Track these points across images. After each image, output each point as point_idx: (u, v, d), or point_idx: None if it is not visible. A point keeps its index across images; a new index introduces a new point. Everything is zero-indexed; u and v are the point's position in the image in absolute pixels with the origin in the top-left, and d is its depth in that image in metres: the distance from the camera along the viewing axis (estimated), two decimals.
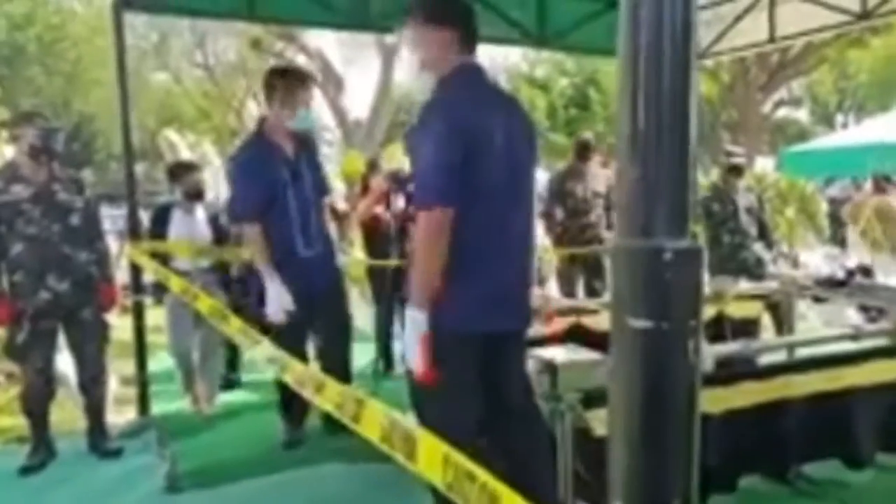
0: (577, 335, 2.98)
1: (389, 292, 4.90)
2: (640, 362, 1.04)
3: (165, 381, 4.68)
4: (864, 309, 4.11)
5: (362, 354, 4.99)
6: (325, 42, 18.83)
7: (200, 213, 4.39)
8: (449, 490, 1.28)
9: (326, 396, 1.77)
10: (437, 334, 2.14)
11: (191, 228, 4.32)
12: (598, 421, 2.35)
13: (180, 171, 4.41)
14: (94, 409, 3.69)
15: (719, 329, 3.77)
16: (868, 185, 9.00)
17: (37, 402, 3.52)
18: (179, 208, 4.33)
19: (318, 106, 17.94)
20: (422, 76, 2.25)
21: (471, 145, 2.06)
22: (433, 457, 1.34)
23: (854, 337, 3.26)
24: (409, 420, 3.21)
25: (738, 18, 5.80)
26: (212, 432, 4.03)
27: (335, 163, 8.73)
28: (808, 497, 2.83)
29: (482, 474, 1.23)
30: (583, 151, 5.86)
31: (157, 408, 4.34)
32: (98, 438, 3.68)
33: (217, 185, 6.10)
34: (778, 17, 5.61)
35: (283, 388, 3.51)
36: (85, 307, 3.56)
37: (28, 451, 3.53)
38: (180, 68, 22.34)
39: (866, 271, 4.51)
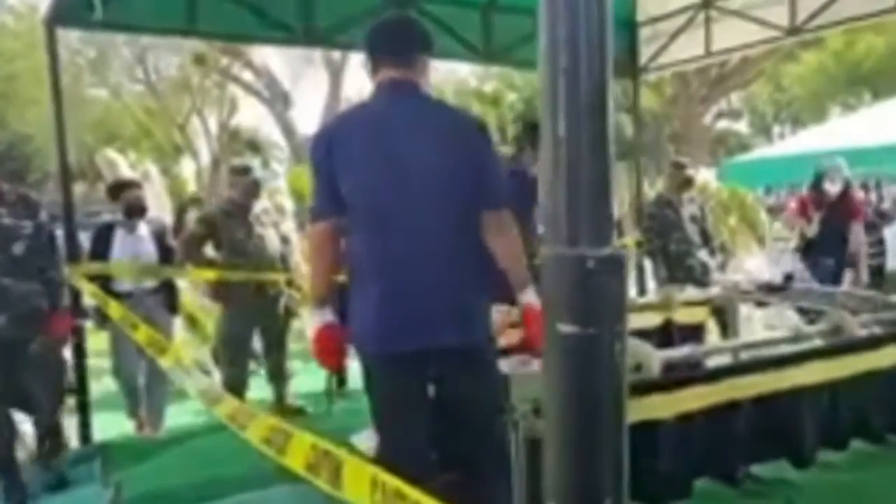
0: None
1: (338, 308, 4.84)
2: (569, 366, 1.07)
3: (110, 406, 4.52)
4: (802, 311, 4.25)
5: (318, 372, 4.93)
6: (272, 57, 18.64)
7: (143, 230, 4.28)
8: None
9: (255, 431, 1.74)
10: (364, 357, 2.26)
11: (135, 247, 4.21)
12: None
13: (120, 189, 4.30)
14: (44, 444, 3.51)
15: (667, 335, 3.84)
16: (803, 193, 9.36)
17: None
18: (122, 227, 4.21)
19: (266, 122, 17.77)
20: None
21: (341, 166, 2.12)
22: (359, 480, 1.34)
23: (794, 339, 3.36)
24: (363, 440, 3.20)
25: (676, 34, 6.00)
26: (158, 457, 3.91)
27: (284, 179, 8.66)
28: (757, 497, 2.88)
29: (413, 493, 1.22)
30: (533, 133, 5.92)
31: (102, 434, 4.18)
32: (51, 474, 3.51)
33: (161, 204, 5.97)
34: (713, 32, 5.83)
35: None
36: (29, 341, 3.32)
37: (1, 492, 3.32)
38: (120, 84, 21.77)
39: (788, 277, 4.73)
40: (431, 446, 2.34)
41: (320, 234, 2.23)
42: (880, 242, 6.91)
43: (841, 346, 3.24)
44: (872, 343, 3.31)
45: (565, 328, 1.04)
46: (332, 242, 2.22)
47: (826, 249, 5.85)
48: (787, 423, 3.04)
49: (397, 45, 2.25)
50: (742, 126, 25.41)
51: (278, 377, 4.63)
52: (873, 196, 9.49)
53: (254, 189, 4.43)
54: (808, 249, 6.05)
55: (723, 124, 23.86)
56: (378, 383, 2.30)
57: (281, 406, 4.60)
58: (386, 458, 2.27)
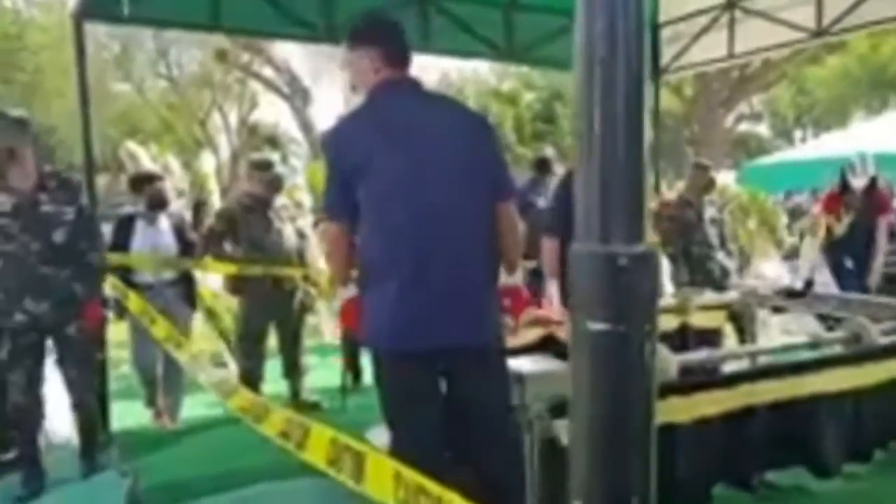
0: (549, 346, 2.99)
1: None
2: (598, 364, 1.06)
3: (128, 396, 4.58)
4: (821, 318, 4.21)
5: (333, 368, 4.96)
6: (293, 54, 18.73)
7: (164, 223, 4.33)
8: None
9: (271, 424, 1.75)
10: (378, 354, 2.28)
11: (154, 239, 4.26)
12: (566, 430, 2.38)
13: (142, 182, 4.35)
14: (83, 430, 3.54)
15: (684, 338, 3.82)
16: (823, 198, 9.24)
17: (23, 422, 3.32)
18: (142, 219, 4.26)
19: (286, 118, 17.84)
20: (355, 94, 2.35)
21: (353, 168, 2.11)
22: (383, 476, 1.34)
23: (813, 345, 3.33)
24: (375, 436, 3.21)
25: (699, 35, 5.95)
26: (175, 447, 3.95)
27: (302, 174, 8.69)
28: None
29: (435, 489, 1.23)
30: (541, 166, 5.93)
31: (120, 423, 4.24)
32: (87, 459, 3.55)
33: (181, 198, 6.03)
34: (737, 33, 5.76)
35: None
36: (67, 325, 3.33)
37: (21, 479, 3.35)
38: (143, 79, 22.02)
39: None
40: (444, 445, 2.34)
41: (335, 234, 2.24)
42: None
43: (861, 354, 3.20)
44: (894, 351, 3.27)
45: (595, 325, 1.03)
46: (346, 240, 2.24)
47: (851, 248, 5.71)
48: (805, 431, 3.00)
49: (400, 44, 2.26)
50: (763, 129, 25.15)
51: (294, 372, 4.67)
52: None
53: (276, 184, 4.47)
54: (833, 247, 5.91)
55: (743, 127, 23.62)
56: (391, 380, 2.31)
57: (296, 401, 4.63)
58: (399, 454, 2.27)
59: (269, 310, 4.45)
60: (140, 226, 4.24)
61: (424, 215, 2.12)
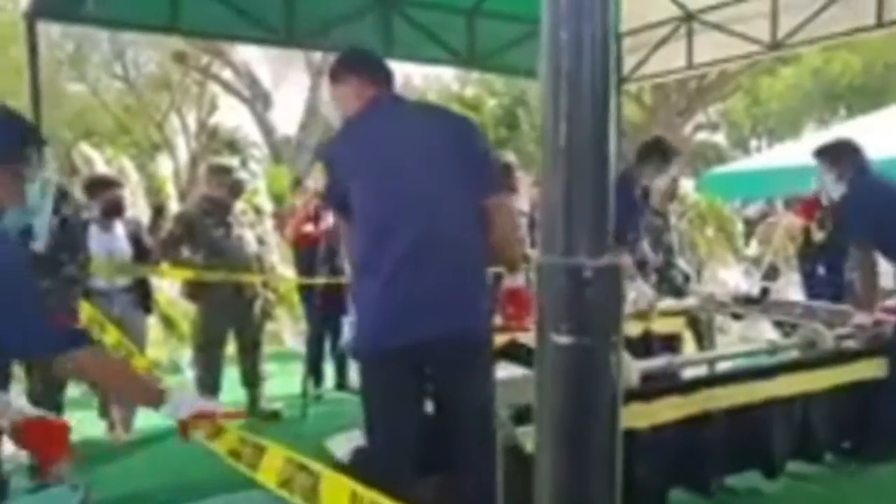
0: (512, 352, 2.98)
1: (320, 311, 4.82)
2: (563, 377, 1.05)
3: (83, 406, 4.44)
4: (778, 324, 4.30)
5: (293, 375, 4.89)
6: (253, 57, 18.47)
7: (119, 229, 4.21)
8: None
9: (225, 442, 1.71)
10: (358, 354, 2.29)
11: (110, 245, 4.14)
12: (529, 437, 2.39)
13: (98, 187, 4.22)
14: None
15: (646, 345, 3.86)
16: (779, 207, 9.50)
17: None
18: (96, 224, 4.13)
19: (246, 121, 17.56)
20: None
21: (345, 176, 2.25)
22: (338, 497, 1.31)
23: (770, 351, 3.40)
24: (337, 444, 3.16)
25: (658, 45, 6.05)
26: (129, 459, 3.84)
27: (262, 179, 8.57)
28: None
29: None
30: (503, 173, 5.94)
31: (73, 434, 4.09)
32: (38, 471, 3.40)
33: (136, 202, 5.88)
34: (695, 44, 5.88)
35: None
36: None
37: None
38: (98, 80, 21.41)
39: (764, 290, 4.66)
40: (422, 449, 2.31)
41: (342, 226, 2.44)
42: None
43: (815, 360, 3.28)
44: (846, 357, 3.36)
45: (560, 339, 1.02)
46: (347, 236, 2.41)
47: (826, 255, 5.69)
48: (759, 435, 3.07)
49: (375, 67, 2.38)
50: (720, 138, 25.74)
51: (253, 380, 4.58)
52: None
53: (236, 189, 4.40)
54: (809, 253, 5.89)
55: (701, 136, 24.13)
56: (370, 381, 2.29)
57: (255, 409, 4.55)
58: (371, 456, 2.31)
59: (229, 316, 4.37)
60: (94, 231, 4.11)
61: (405, 215, 2.17)
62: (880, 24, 4.71)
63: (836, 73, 19.84)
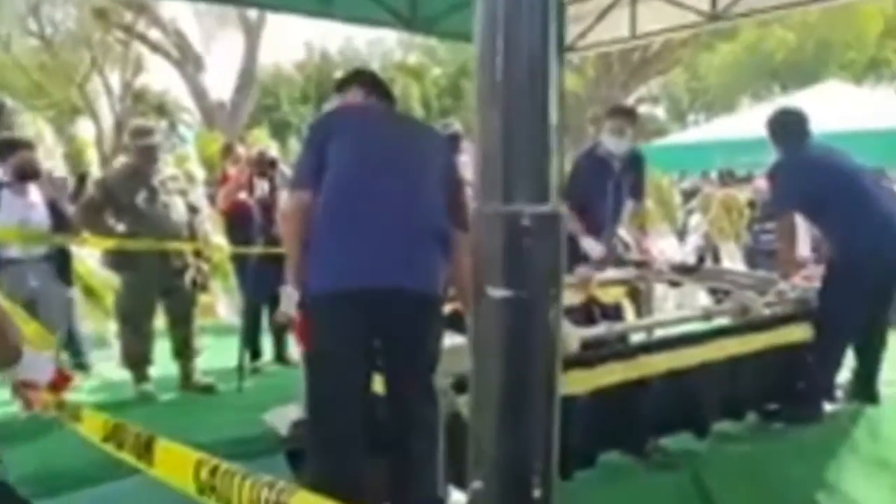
0: (455, 321, 2.95)
1: (254, 281, 4.66)
2: (500, 333, 0.98)
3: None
4: (713, 291, 4.39)
5: (228, 348, 4.74)
6: (181, 15, 17.51)
7: (35, 195, 3.95)
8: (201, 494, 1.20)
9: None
10: (308, 299, 2.30)
11: (24, 212, 3.88)
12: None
13: (8, 149, 3.93)
14: None
15: (588, 314, 3.87)
16: (714, 179, 9.73)
17: None
18: (8, 190, 3.86)
19: (176, 84, 16.81)
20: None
21: (335, 147, 2.37)
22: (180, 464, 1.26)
23: (705, 317, 3.46)
24: (275, 418, 3.06)
25: (603, 14, 6.02)
26: (47, 438, 3.64)
27: (193, 145, 8.19)
28: (664, 468, 2.95)
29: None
30: (451, 143, 5.86)
31: None
32: None
33: (54, 168, 5.55)
34: (638, 14, 5.88)
35: None
36: None
37: None
38: (11, 37, 19.96)
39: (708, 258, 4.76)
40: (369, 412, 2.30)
41: (300, 200, 2.38)
42: None
43: (745, 325, 3.36)
44: (774, 322, 3.45)
45: (497, 292, 0.95)
46: (308, 210, 2.35)
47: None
48: (692, 398, 3.13)
49: (377, 84, 2.67)
50: (660, 112, 26.22)
51: (184, 353, 4.40)
52: None
53: (151, 153, 4.16)
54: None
55: (642, 109, 24.51)
56: (318, 326, 2.28)
57: (187, 383, 4.39)
58: (314, 422, 2.31)
59: (156, 287, 4.17)
60: (6, 197, 3.84)
61: (374, 181, 2.31)
62: None
63: (770, 49, 20.37)
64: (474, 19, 0.97)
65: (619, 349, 3.15)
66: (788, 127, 3.68)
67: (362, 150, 2.37)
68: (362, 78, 2.69)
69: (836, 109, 7.36)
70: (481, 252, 0.99)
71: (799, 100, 9.69)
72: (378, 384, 2.42)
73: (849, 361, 3.62)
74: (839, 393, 3.62)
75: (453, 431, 2.36)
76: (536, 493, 0.97)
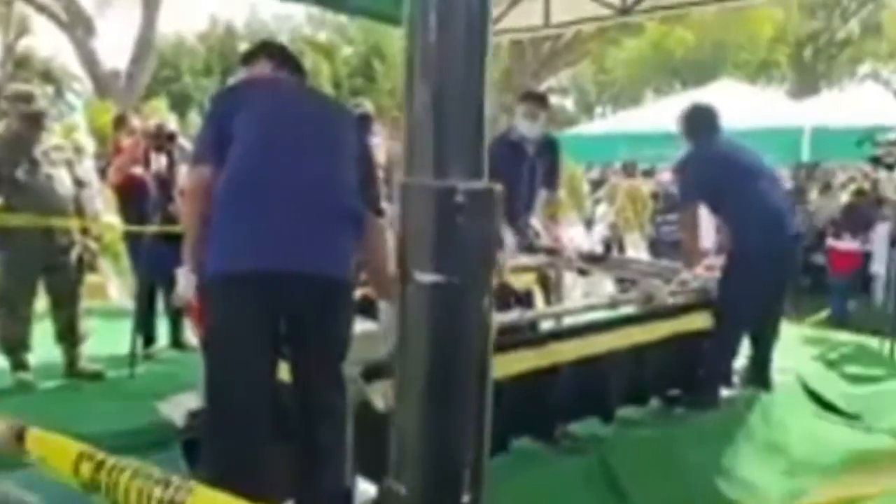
0: (366, 306, 2.86)
1: (149, 262, 4.36)
2: (428, 323, 0.89)
3: None
4: (620, 280, 4.50)
5: (120, 333, 4.42)
6: None
7: None
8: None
9: None
10: (205, 281, 2.18)
11: None
12: (379, 394, 2.32)
13: None
14: None
15: (502, 300, 3.86)
16: (618, 170, 10.05)
17: None
18: None
19: (65, 50, 15.56)
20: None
21: (240, 118, 2.23)
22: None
23: (612, 305, 3.52)
24: (169, 407, 2.87)
25: (516, 1, 6.01)
26: None
27: (82, 114, 7.59)
28: (573, 453, 2.99)
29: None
30: (360, 123, 5.71)
31: None
32: None
33: None
34: (552, 4, 5.92)
35: None
36: None
37: None
38: None
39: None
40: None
41: (200, 177, 2.26)
42: None
43: (649, 313, 3.45)
44: (677, 310, 3.56)
45: (425, 277, 0.85)
46: (208, 188, 2.22)
47: None
48: (599, 384, 3.19)
49: (286, 56, 2.53)
50: (569, 103, 26.85)
51: (70, 337, 4.07)
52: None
53: (35, 120, 3.79)
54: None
55: (552, 100, 25.04)
56: (214, 312, 2.15)
57: (72, 370, 4.06)
58: (212, 402, 2.17)
59: (37, 266, 3.82)
60: None
61: (279, 157, 2.18)
62: None
63: (672, 46, 21.26)
64: None
65: (530, 336, 3.16)
66: (700, 122, 3.80)
67: (269, 125, 2.24)
68: (270, 49, 2.54)
69: (730, 106, 7.73)
70: (408, 231, 0.88)
71: (698, 96, 10.16)
72: (284, 371, 2.31)
73: (744, 349, 3.80)
74: (735, 379, 3.79)
75: (362, 420, 2.30)
76: (465, 498, 0.90)
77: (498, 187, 0.89)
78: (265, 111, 2.26)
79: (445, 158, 0.84)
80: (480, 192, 0.86)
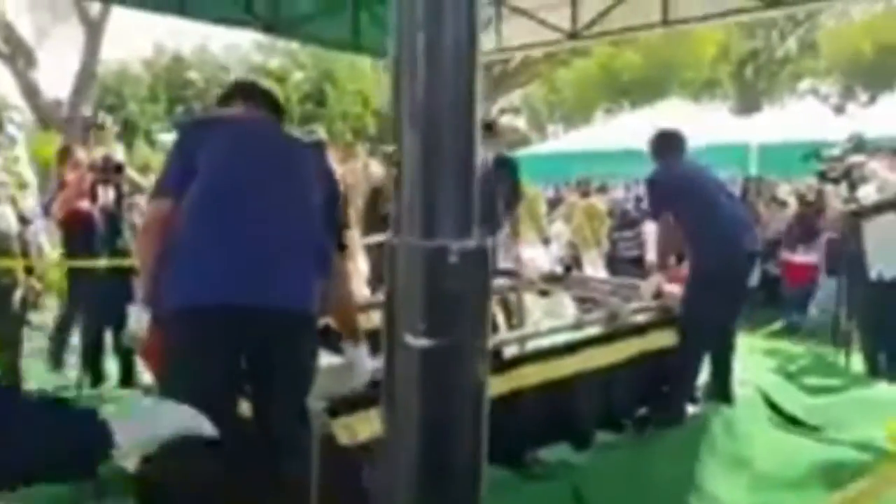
0: (327, 337, 2.77)
1: (97, 299, 4.19)
2: (420, 389, 0.83)
3: None
4: (580, 300, 4.50)
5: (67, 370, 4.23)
6: (8, 7, 15.58)
7: None
8: None
9: None
10: (166, 314, 2.08)
11: None
12: (343, 429, 2.30)
13: None
14: None
15: None
16: (572, 188, 10.16)
17: None
18: None
19: (5, 81, 15.10)
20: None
21: (205, 154, 2.19)
22: None
23: (577, 327, 3.51)
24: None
25: None
26: None
27: (24, 147, 7.30)
28: (541, 480, 2.94)
29: None
30: (315, 150, 5.65)
31: None
32: None
33: None
34: (503, 29, 6.00)
35: None
36: None
37: None
38: None
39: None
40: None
41: (159, 210, 2.19)
42: (639, 236, 7.61)
43: (613, 333, 3.45)
44: (641, 329, 3.57)
45: (416, 341, 0.79)
46: (166, 222, 2.15)
47: None
48: (568, 408, 3.16)
49: (266, 97, 2.49)
50: (521, 123, 27.13)
51: (12, 377, 3.88)
52: (633, 194, 10.58)
53: None
54: None
55: (505, 119, 25.28)
56: (173, 348, 2.05)
57: None
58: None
59: None
60: None
61: (245, 191, 2.14)
62: (665, 22, 5.10)
63: (620, 68, 21.79)
64: (391, 21, 0.83)
65: (493, 363, 3.11)
66: (667, 145, 3.98)
67: (233, 160, 2.19)
68: (245, 89, 2.49)
69: (679, 125, 7.91)
70: (398, 292, 0.82)
71: (646, 114, 10.40)
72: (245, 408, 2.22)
73: (704, 364, 3.83)
74: (698, 394, 3.81)
75: (325, 455, 2.21)
76: None
77: (489, 243, 0.85)
78: (228, 146, 2.22)
79: (436, 216, 0.79)
80: (473, 252, 0.81)
